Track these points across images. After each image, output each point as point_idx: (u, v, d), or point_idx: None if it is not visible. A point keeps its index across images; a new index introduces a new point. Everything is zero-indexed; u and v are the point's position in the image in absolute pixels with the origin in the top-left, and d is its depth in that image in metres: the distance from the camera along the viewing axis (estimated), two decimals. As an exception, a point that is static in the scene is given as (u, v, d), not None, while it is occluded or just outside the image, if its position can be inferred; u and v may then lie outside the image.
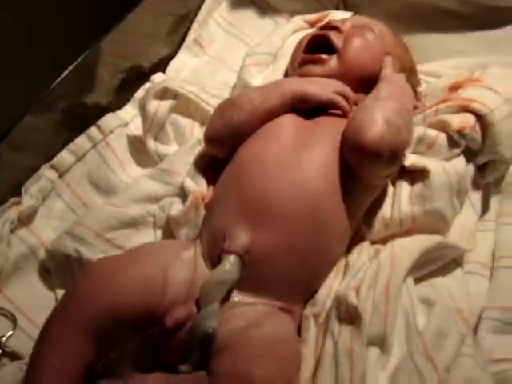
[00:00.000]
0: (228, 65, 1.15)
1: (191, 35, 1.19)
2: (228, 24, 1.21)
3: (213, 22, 1.21)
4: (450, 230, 0.91)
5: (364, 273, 0.81)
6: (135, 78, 1.12)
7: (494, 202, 1.00)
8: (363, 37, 0.95)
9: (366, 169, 0.82)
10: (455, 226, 0.91)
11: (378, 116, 0.80)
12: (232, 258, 0.77)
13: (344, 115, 0.88)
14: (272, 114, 0.87)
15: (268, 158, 0.82)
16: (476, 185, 0.95)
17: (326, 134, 0.84)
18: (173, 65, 1.16)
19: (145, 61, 1.14)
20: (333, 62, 0.93)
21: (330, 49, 0.94)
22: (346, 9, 1.22)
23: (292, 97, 0.87)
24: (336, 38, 0.94)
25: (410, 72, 0.99)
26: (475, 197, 0.95)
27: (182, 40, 1.19)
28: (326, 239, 0.81)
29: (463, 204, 0.92)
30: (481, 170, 0.96)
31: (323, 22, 1.07)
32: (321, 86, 0.88)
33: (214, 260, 0.79)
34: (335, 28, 0.96)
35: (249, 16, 1.22)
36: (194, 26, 1.19)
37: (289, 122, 0.86)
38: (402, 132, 0.82)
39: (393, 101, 0.84)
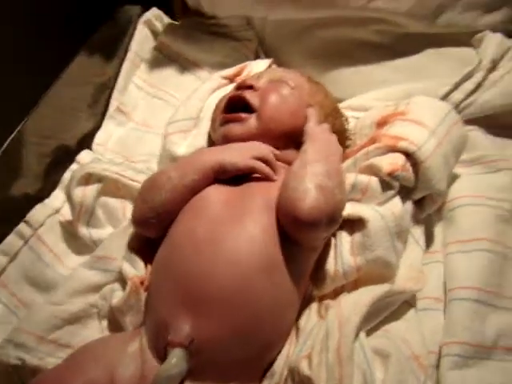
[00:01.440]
0: (154, 129, 1.13)
1: (113, 104, 1.17)
2: (149, 86, 1.19)
3: (133, 87, 1.19)
4: (397, 273, 0.90)
5: (313, 339, 0.79)
6: (62, 158, 1.09)
7: (439, 231, 1.00)
8: (278, 93, 0.93)
9: (304, 237, 0.80)
10: (402, 267, 0.90)
11: (309, 184, 0.78)
12: (177, 352, 0.74)
13: (270, 180, 0.86)
14: (194, 189, 0.85)
15: (198, 236, 0.80)
16: (417, 220, 0.95)
17: (259, 201, 0.82)
18: (99, 137, 1.13)
19: (70, 138, 1.12)
20: (252, 120, 0.92)
21: (249, 107, 0.93)
22: (265, 54, 1.21)
23: (211, 169, 0.85)
24: (252, 98, 0.93)
25: (333, 116, 0.99)
26: (418, 232, 0.94)
27: (105, 110, 1.17)
28: (273, 312, 0.79)
29: (406, 243, 0.91)
30: (419, 203, 0.95)
31: (242, 75, 1.06)
32: (238, 154, 0.86)
33: (160, 351, 0.77)
34: (250, 87, 0.94)
35: (170, 74, 1.20)
36: (115, 93, 1.17)
37: (214, 194, 0.84)
38: (335, 193, 0.80)
39: (321, 162, 0.83)
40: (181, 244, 0.81)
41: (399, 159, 0.89)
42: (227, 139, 0.92)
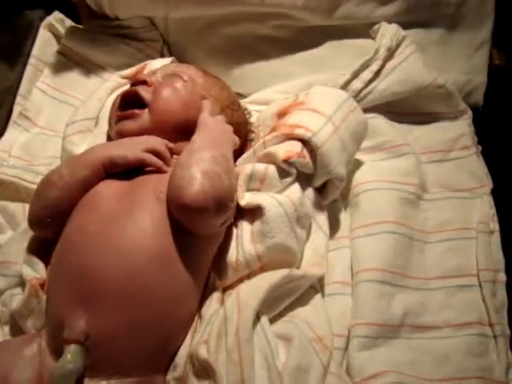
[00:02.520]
0: (60, 133, 1.09)
1: (16, 109, 1.15)
2: (54, 90, 1.17)
3: (37, 92, 1.16)
4: (302, 258, 0.91)
5: (211, 324, 0.79)
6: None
7: (345, 217, 1.01)
8: (170, 86, 0.94)
9: (196, 224, 0.80)
10: (306, 253, 0.91)
11: (195, 171, 0.78)
12: (73, 348, 0.73)
13: (161, 171, 0.86)
14: (86, 185, 0.84)
15: (89, 231, 0.79)
16: (320, 206, 0.96)
17: (149, 194, 0.82)
18: (2, 144, 1.10)
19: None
20: (145, 115, 0.92)
21: (143, 104, 0.93)
22: (170, 53, 1.21)
23: (101, 163, 0.85)
24: (145, 92, 0.93)
25: (231, 109, 0.99)
26: (321, 218, 0.95)
27: (9, 116, 1.14)
28: (169, 304, 0.78)
29: (308, 229, 0.92)
30: (322, 190, 0.96)
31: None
32: (128, 147, 0.86)
33: (58, 351, 0.75)
34: (144, 82, 0.94)
35: (74, 78, 1.18)
36: (18, 99, 1.15)
37: (106, 189, 0.84)
38: (223, 179, 0.80)
39: (207, 149, 0.83)
40: (73, 240, 0.80)
41: (296, 146, 0.90)
42: (121, 136, 0.92)
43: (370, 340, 0.86)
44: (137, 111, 0.92)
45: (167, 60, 1.10)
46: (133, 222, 0.79)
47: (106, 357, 0.75)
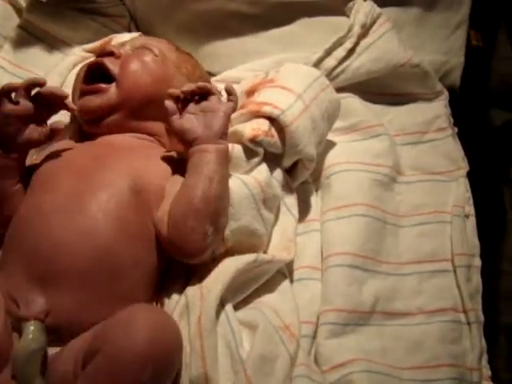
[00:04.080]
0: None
1: (-26, 86, 1.09)
2: (14, 67, 1.10)
3: (-3, 68, 1.11)
4: (270, 241, 0.87)
5: (172, 313, 0.76)
6: None
7: (317, 200, 0.97)
8: (140, 59, 0.88)
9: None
10: (274, 236, 0.88)
11: (208, 227, 0.77)
12: (33, 327, 0.71)
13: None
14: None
15: (47, 208, 0.76)
16: (289, 188, 0.92)
17: (121, 180, 0.79)
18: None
19: None
20: (112, 89, 0.87)
21: (109, 77, 0.88)
22: (138, 29, 1.16)
23: None
24: (112, 65, 0.87)
25: None
26: (290, 200, 0.92)
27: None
28: (130, 281, 0.76)
29: (277, 212, 0.89)
30: (292, 172, 0.93)
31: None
32: None
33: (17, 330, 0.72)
34: (111, 53, 0.88)
35: (36, 54, 1.12)
36: (-24, 75, 1.10)
37: (67, 165, 0.80)
38: (219, 215, 0.79)
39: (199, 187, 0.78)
40: (29, 219, 0.77)
41: (263, 124, 0.87)
42: (84, 113, 0.87)
43: (339, 327, 0.83)
44: (103, 85, 0.86)
45: (133, 34, 1.06)
46: (95, 200, 0.76)
47: (67, 329, 0.73)
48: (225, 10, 1.12)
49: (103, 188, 0.78)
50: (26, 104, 0.79)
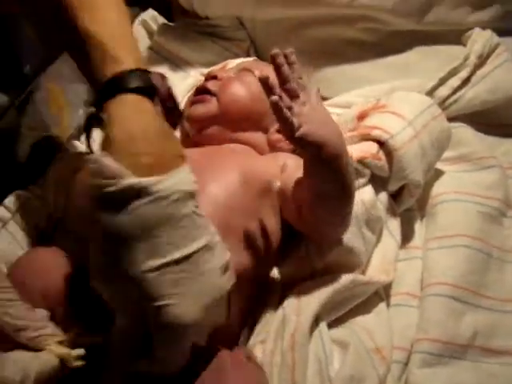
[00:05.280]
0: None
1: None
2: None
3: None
4: (369, 263, 0.88)
5: (270, 325, 0.78)
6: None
7: (421, 227, 0.97)
8: (239, 79, 0.95)
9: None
10: (375, 258, 0.89)
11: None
12: None
13: None
14: None
15: None
16: (393, 213, 0.92)
17: (233, 170, 0.83)
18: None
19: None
20: (214, 101, 0.94)
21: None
22: (257, 53, 1.22)
23: None
24: (212, 86, 0.96)
25: None
26: (393, 225, 0.92)
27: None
28: None
29: (378, 234, 0.89)
30: (396, 197, 0.93)
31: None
32: None
33: None
34: (214, 77, 0.97)
35: (163, 71, 1.20)
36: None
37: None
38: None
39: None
40: None
41: (372, 147, 0.88)
42: (190, 119, 0.94)
43: (433, 357, 0.81)
44: (207, 96, 0.95)
45: (248, 59, 1.11)
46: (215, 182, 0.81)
47: None
48: (341, 36, 1.15)
49: (216, 180, 0.82)
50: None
